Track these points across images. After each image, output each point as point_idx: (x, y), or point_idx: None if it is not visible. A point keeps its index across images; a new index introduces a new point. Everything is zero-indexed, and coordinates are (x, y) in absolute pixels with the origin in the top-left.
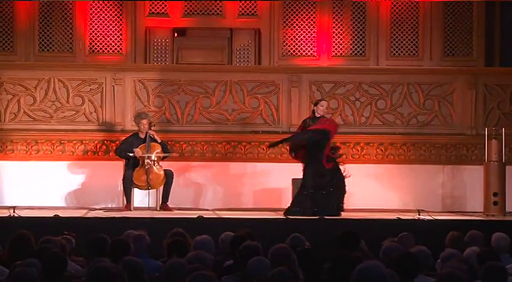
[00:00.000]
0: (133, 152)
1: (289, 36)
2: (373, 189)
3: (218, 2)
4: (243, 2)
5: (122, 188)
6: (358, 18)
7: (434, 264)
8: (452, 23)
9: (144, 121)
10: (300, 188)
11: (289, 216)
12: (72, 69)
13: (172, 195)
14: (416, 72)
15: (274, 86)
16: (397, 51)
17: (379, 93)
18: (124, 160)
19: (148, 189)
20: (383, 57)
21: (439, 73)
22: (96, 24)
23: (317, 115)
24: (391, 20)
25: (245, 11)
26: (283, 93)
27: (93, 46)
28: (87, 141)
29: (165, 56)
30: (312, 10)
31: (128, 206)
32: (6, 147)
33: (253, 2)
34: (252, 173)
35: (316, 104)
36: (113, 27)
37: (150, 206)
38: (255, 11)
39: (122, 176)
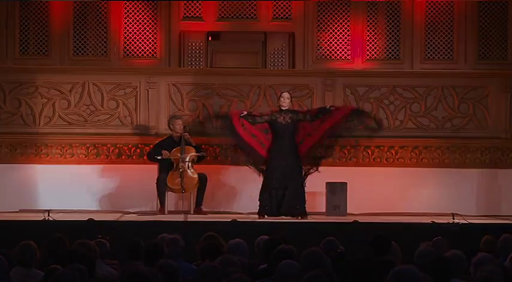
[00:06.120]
0: (161, 155)
1: (323, 40)
2: (407, 193)
3: (252, 6)
4: (277, 5)
5: (156, 192)
6: (393, 21)
7: (468, 268)
8: (487, 26)
9: (179, 121)
10: None
11: None
12: (107, 73)
13: (206, 199)
14: (451, 75)
15: (308, 90)
16: (431, 55)
17: (413, 97)
18: (158, 163)
19: (183, 192)
20: (417, 60)
21: (473, 76)
22: (130, 28)
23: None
24: (425, 23)
25: (279, 15)
26: (317, 96)
27: (128, 50)
28: (121, 145)
29: (199, 59)
30: (346, 13)
31: (162, 209)
32: (41, 151)
33: (287, 5)
34: None
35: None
36: (147, 31)
37: (184, 209)
38: (289, 15)
39: (156, 180)
